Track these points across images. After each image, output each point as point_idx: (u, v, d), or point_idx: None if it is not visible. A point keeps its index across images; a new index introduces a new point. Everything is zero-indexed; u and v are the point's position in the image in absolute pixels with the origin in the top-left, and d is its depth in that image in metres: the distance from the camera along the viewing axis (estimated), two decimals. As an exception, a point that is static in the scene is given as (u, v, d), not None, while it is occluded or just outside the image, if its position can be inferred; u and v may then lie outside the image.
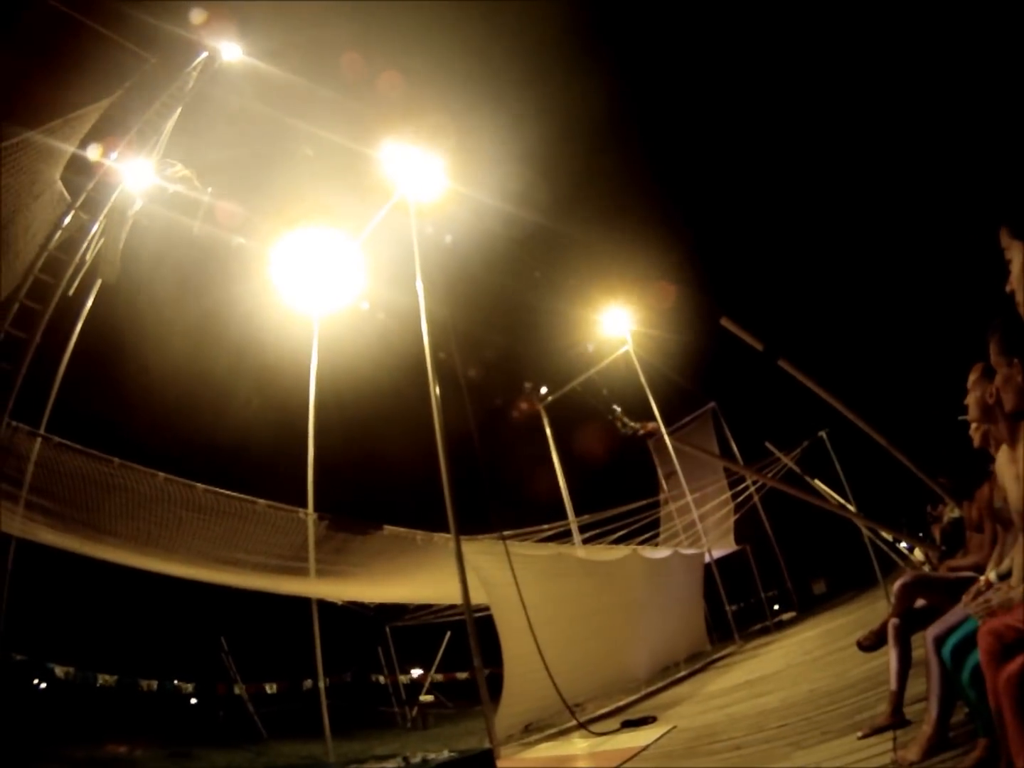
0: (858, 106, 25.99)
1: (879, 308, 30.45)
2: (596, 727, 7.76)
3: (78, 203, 7.65)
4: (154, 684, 24.37)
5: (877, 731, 3.67)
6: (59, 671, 21.58)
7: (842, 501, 13.18)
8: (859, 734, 3.73)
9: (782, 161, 28.84)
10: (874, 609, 11.12)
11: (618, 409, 18.29)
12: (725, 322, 4.95)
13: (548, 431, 19.45)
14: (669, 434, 19.55)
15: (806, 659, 9.02)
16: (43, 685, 21.81)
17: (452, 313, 9.81)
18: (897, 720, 3.69)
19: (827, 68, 24.97)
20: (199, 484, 8.96)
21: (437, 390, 8.74)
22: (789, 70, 25.64)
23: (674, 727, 6.53)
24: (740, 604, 24.23)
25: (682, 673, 12.64)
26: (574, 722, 7.95)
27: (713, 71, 27.06)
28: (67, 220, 7.59)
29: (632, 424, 18.30)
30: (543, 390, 19.89)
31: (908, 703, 3.76)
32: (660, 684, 11.62)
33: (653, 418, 19.16)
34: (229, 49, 8.71)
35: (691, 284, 25.34)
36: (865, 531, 13.29)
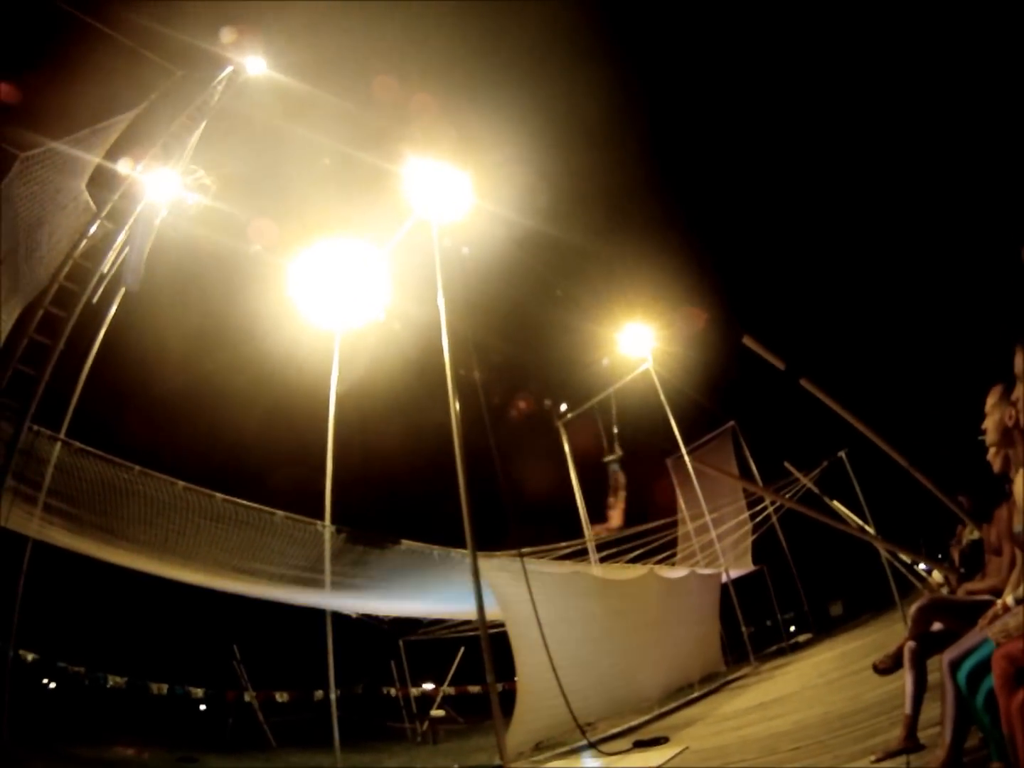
0: (881, 119, 25.92)
1: (901, 328, 30.21)
2: (607, 747, 7.72)
3: (104, 212, 7.75)
4: (164, 688, 24.48)
5: (891, 755, 3.63)
6: (70, 671, 21.75)
7: (860, 523, 13.05)
8: (872, 758, 3.69)
9: (806, 182, 28.76)
10: (891, 632, 10.99)
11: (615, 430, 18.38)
12: (747, 341, 4.94)
13: (567, 448, 19.45)
14: (689, 452, 19.52)
15: (821, 681, 8.93)
16: (52, 685, 21.96)
17: (473, 329, 9.84)
18: (911, 744, 3.64)
19: (849, 80, 24.94)
20: (218, 494, 8.99)
21: (457, 406, 8.74)
22: (812, 85, 25.61)
23: (686, 748, 6.48)
24: (756, 625, 24.00)
25: (696, 694, 12.54)
26: (585, 741, 7.89)
27: (738, 89, 27.06)
28: (93, 229, 7.69)
29: (615, 466, 18.41)
30: (563, 407, 19.92)
31: (923, 727, 3.70)
32: (673, 704, 11.53)
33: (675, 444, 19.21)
34: (254, 63, 8.82)
35: (713, 303, 25.22)
36: (883, 553, 13.17)
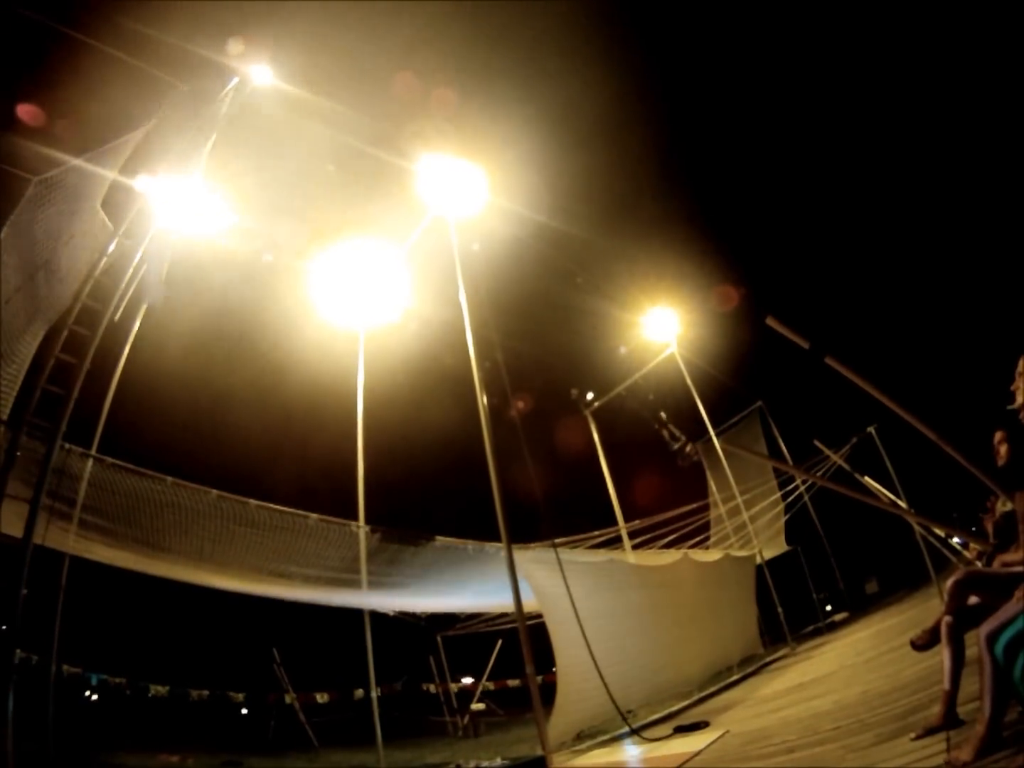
0: (903, 103, 25.62)
1: (927, 301, 29.87)
2: (648, 733, 7.72)
3: (121, 230, 7.80)
4: (205, 694, 24.77)
5: (930, 732, 3.61)
6: (112, 682, 22.07)
7: (893, 498, 12.95)
8: (912, 735, 3.67)
9: (827, 157, 28.47)
10: (927, 607, 10.92)
11: (664, 416, 18.16)
12: (771, 321, 4.91)
13: (596, 437, 19.42)
14: (717, 435, 19.40)
15: (859, 660, 8.89)
16: (95, 697, 22.28)
17: (495, 323, 9.82)
18: (950, 720, 3.62)
19: (873, 68, 24.66)
20: (251, 500, 9.02)
21: (485, 399, 8.74)
22: (835, 71, 25.34)
23: (727, 732, 6.48)
24: (792, 606, 23.91)
25: (735, 677, 12.51)
26: (626, 728, 7.90)
27: (757, 77, 26.84)
28: (111, 247, 7.75)
29: (680, 436, 18.11)
30: (589, 396, 19.86)
31: (963, 702, 3.68)
32: (712, 688, 11.50)
33: (703, 428, 19.01)
34: (259, 73, 8.83)
35: (735, 284, 25.09)
36: (917, 528, 13.07)
